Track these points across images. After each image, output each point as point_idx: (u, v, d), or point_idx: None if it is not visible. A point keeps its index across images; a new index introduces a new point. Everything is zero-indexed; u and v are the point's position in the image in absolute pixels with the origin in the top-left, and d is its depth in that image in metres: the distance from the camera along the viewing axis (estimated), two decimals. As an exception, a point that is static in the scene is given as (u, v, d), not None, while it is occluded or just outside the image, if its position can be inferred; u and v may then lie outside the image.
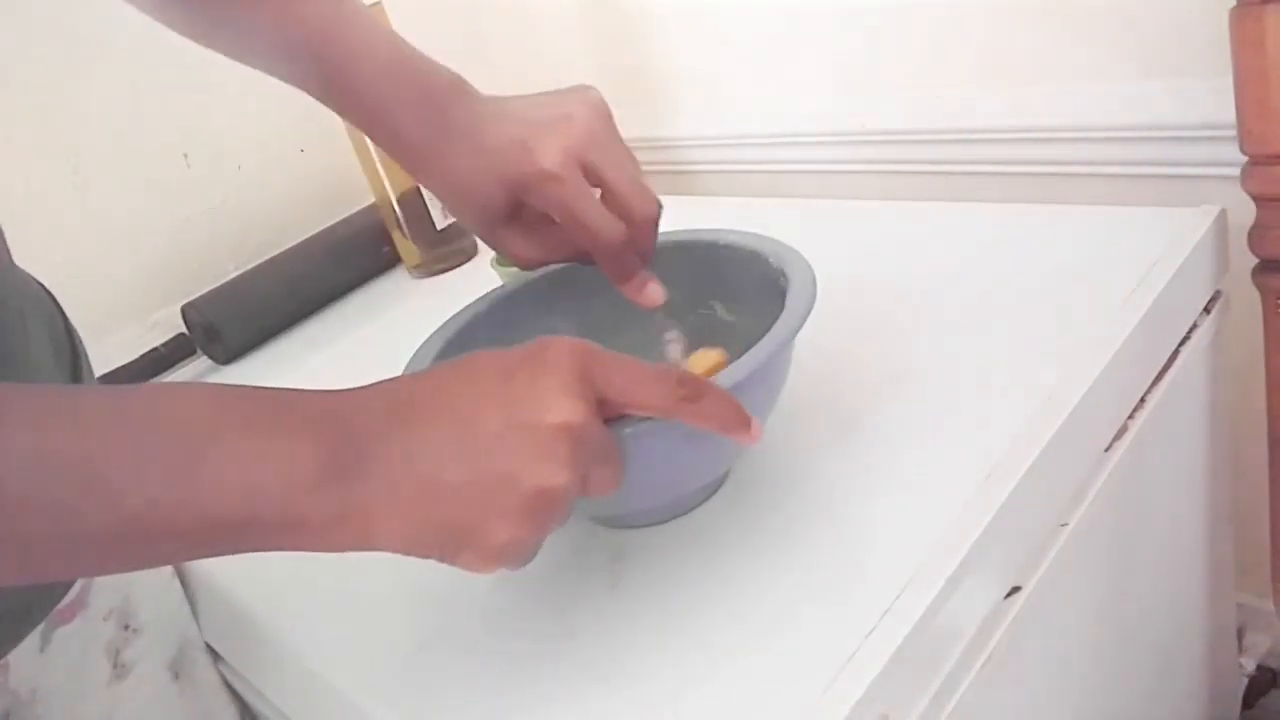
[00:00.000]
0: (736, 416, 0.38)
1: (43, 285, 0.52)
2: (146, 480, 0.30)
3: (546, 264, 0.51)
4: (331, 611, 0.52)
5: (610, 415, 0.37)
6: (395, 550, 0.33)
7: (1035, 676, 0.50)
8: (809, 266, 0.47)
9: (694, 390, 0.36)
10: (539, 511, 0.33)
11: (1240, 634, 0.82)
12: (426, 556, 0.34)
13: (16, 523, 0.28)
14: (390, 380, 0.36)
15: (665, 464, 0.43)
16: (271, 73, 0.50)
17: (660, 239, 0.53)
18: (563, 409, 0.33)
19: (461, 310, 0.54)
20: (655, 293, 0.49)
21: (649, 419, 0.38)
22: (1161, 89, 0.68)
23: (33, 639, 0.47)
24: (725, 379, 0.40)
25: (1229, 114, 0.58)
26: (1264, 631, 0.83)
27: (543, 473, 0.33)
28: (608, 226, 0.46)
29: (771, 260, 0.49)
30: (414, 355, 0.49)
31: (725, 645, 0.41)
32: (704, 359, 0.50)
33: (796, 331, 0.43)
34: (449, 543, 0.33)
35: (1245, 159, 0.59)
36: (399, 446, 0.33)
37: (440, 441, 0.33)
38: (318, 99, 0.49)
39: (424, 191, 0.90)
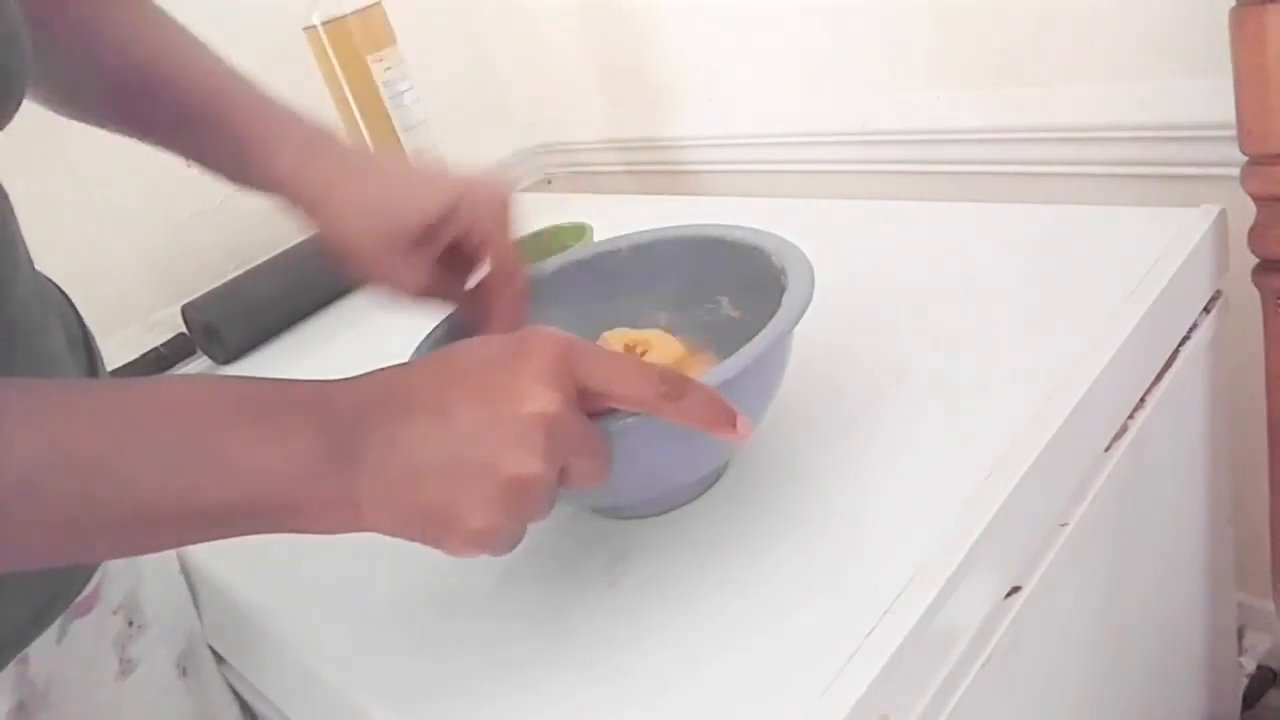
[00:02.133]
0: (722, 415, 0.37)
1: (58, 286, 0.52)
2: (154, 469, 0.31)
3: (423, 297, 0.51)
4: (331, 611, 0.52)
5: (593, 408, 0.37)
6: (383, 533, 0.34)
7: (1035, 676, 0.50)
8: (809, 265, 0.47)
9: (677, 387, 0.36)
10: (515, 499, 0.34)
11: (1240, 634, 0.82)
12: (412, 540, 0.35)
13: (32, 511, 0.29)
14: (381, 370, 0.37)
15: (653, 459, 0.43)
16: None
17: (667, 233, 0.55)
18: (539, 399, 0.34)
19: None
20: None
21: (637, 413, 0.38)
22: (1161, 89, 0.68)
23: (50, 631, 0.47)
24: (715, 376, 0.40)
25: (1229, 114, 0.58)
26: (1264, 631, 0.83)
27: (518, 461, 0.33)
28: (523, 265, 0.50)
29: (773, 258, 0.49)
30: (419, 345, 0.50)
31: (725, 645, 0.41)
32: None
33: (788, 331, 0.43)
34: (431, 527, 0.34)
35: (1245, 159, 0.59)
36: (385, 434, 0.34)
37: (421, 430, 0.34)
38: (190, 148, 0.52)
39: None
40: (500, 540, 0.35)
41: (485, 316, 0.50)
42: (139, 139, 0.52)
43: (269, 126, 0.49)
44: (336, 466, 0.33)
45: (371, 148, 0.70)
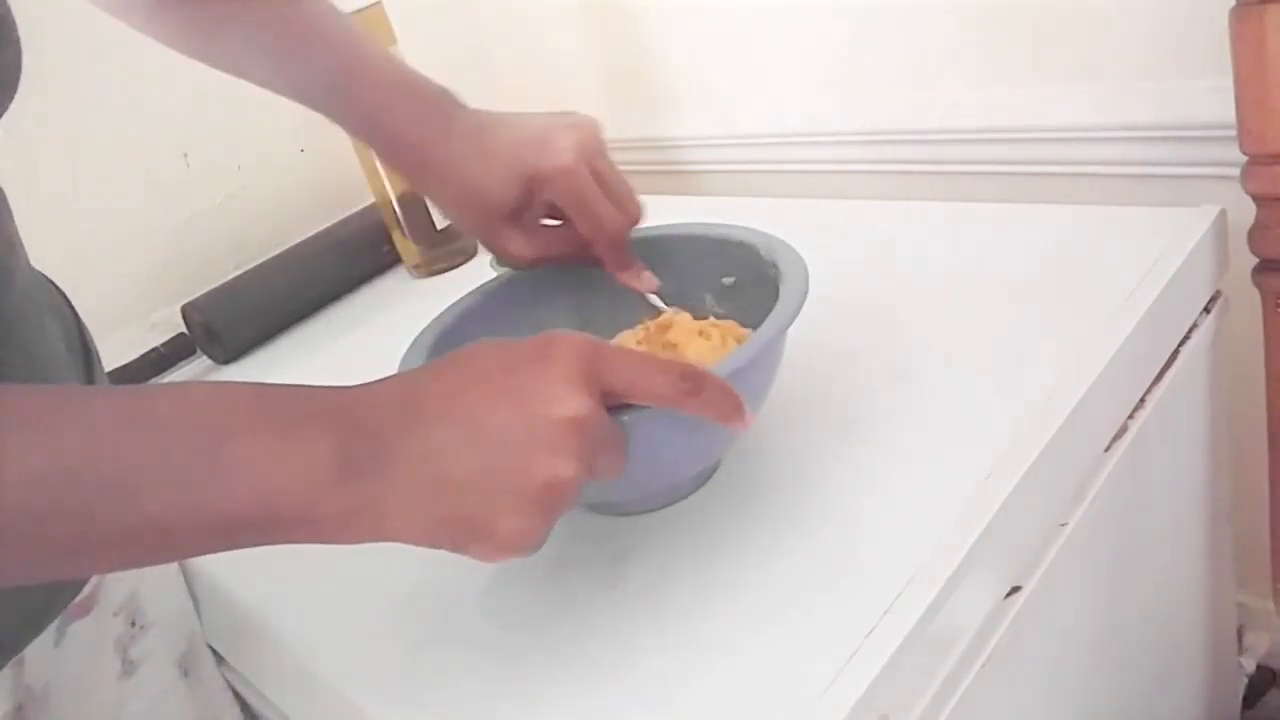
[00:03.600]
0: (735, 406, 0.39)
1: (55, 284, 0.52)
2: (163, 482, 0.30)
3: (541, 263, 0.54)
4: (332, 611, 0.52)
5: (613, 405, 0.37)
6: (408, 543, 0.34)
7: (1035, 676, 0.50)
8: (801, 258, 0.48)
9: (695, 383, 0.37)
10: (548, 503, 0.34)
11: (1240, 634, 0.82)
12: (438, 548, 0.34)
13: (36, 526, 0.28)
14: (401, 376, 0.37)
15: (663, 449, 0.43)
16: (266, 81, 0.53)
17: (653, 231, 0.56)
18: (570, 403, 0.34)
19: (453, 304, 0.54)
20: (650, 278, 0.55)
21: (646, 406, 0.38)
22: (1161, 89, 0.68)
23: (48, 634, 0.47)
24: (725, 367, 0.40)
25: (1229, 114, 0.58)
26: (1264, 631, 0.83)
27: (552, 466, 0.34)
28: (612, 217, 0.52)
29: (763, 252, 0.50)
30: (409, 349, 0.50)
31: (725, 645, 0.41)
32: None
33: (791, 321, 0.43)
34: (460, 535, 0.34)
35: (1245, 159, 0.59)
36: (412, 445, 0.33)
37: (452, 439, 0.34)
38: (312, 104, 0.53)
39: (424, 191, 0.90)
40: (531, 543, 0.35)
41: (602, 265, 0.54)
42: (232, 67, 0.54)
43: (385, 100, 0.52)
44: (357, 477, 0.32)
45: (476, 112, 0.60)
